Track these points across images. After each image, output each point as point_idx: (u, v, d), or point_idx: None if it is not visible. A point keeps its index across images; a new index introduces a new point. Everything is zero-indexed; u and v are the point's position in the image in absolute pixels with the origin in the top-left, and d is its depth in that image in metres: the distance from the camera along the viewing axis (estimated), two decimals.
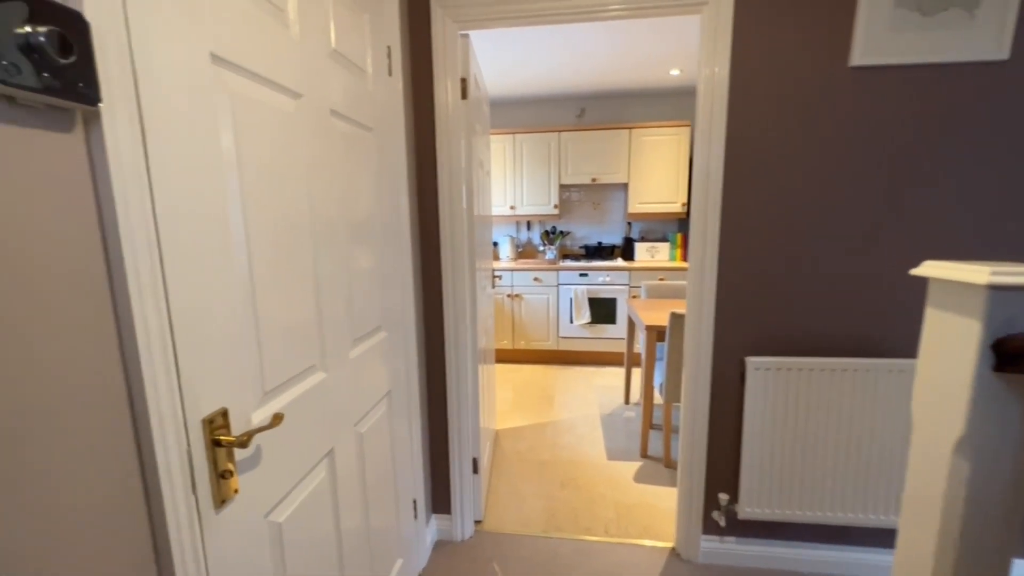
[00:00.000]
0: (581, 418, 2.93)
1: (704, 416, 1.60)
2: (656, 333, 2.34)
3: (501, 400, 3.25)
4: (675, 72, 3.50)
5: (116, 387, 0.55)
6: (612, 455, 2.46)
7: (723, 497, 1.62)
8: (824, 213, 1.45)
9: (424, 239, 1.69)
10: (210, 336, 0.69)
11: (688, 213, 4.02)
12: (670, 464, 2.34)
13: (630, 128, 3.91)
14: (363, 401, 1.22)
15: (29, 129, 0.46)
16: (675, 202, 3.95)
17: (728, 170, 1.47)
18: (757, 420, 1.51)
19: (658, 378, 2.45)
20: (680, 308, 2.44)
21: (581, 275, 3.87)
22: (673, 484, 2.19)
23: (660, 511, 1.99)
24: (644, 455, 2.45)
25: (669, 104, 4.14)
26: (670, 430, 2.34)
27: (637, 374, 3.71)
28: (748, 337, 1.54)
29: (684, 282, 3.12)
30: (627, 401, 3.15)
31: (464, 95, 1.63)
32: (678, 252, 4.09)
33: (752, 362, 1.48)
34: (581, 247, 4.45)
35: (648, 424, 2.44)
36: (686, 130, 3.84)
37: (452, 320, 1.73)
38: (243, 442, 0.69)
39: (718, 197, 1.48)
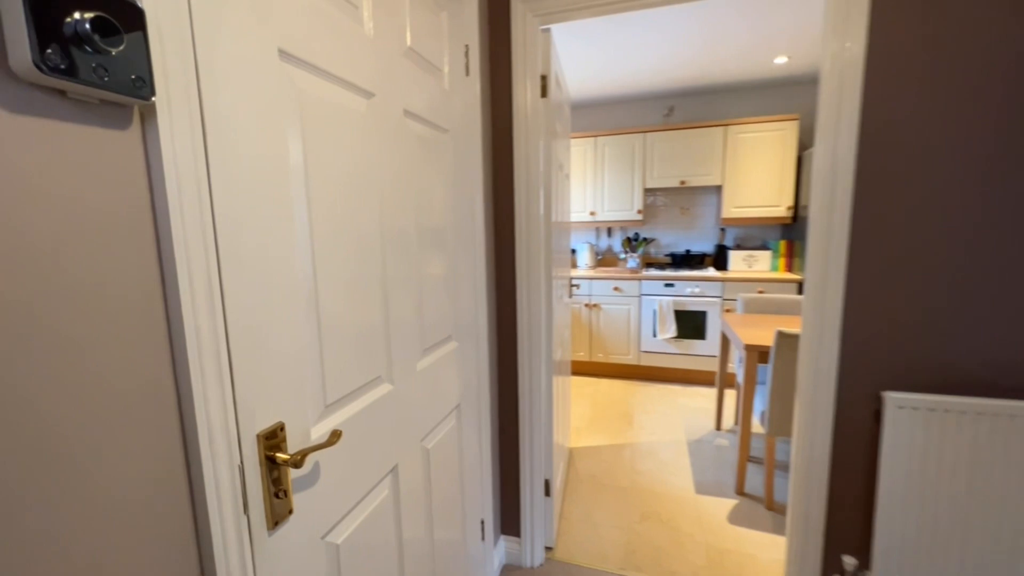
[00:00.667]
0: (665, 442, 2.68)
1: (824, 458, 1.33)
2: (757, 354, 2.05)
3: (576, 416, 3.09)
4: (781, 60, 3.12)
5: (165, 398, 0.52)
6: (701, 488, 2.20)
7: (849, 561, 1.32)
8: (1008, 215, 1.13)
9: (499, 246, 1.61)
10: (269, 346, 0.65)
11: (795, 217, 3.57)
12: (773, 507, 2.03)
13: (725, 125, 3.57)
14: (431, 415, 1.16)
15: (81, 126, 0.43)
16: (778, 205, 3.52)
17: (861, 166, 1.21)
18: (899, 471, 1.21)
19: (759, 405, 2.15)
20: (788, 326, 2.12)
21: (666, 285, 3.59)
22: (777, 531, 1.88)
23: (761, 563, 1.71)
24: (740, 492, 2.15)
25: (772, 97, 3.72)
26: (773, 466, 2.03)
27: (731, 397, 3.34)
28: (886, 367, 1.25)
29: (790, 296, 2.74)
30: (718, 427, 2.82)
31: (544, 93, 1.54)
32: (781, 261, 3.64)
33: (893, 399, 1.20)
34: (667, 255, 4.15)
35: (745, 456, 2.14)
36: (793, 124, 3.41)
37: (526, 330, 1.63)
38: (296, 462, 0.64)
39: (847, 198, 1.22)
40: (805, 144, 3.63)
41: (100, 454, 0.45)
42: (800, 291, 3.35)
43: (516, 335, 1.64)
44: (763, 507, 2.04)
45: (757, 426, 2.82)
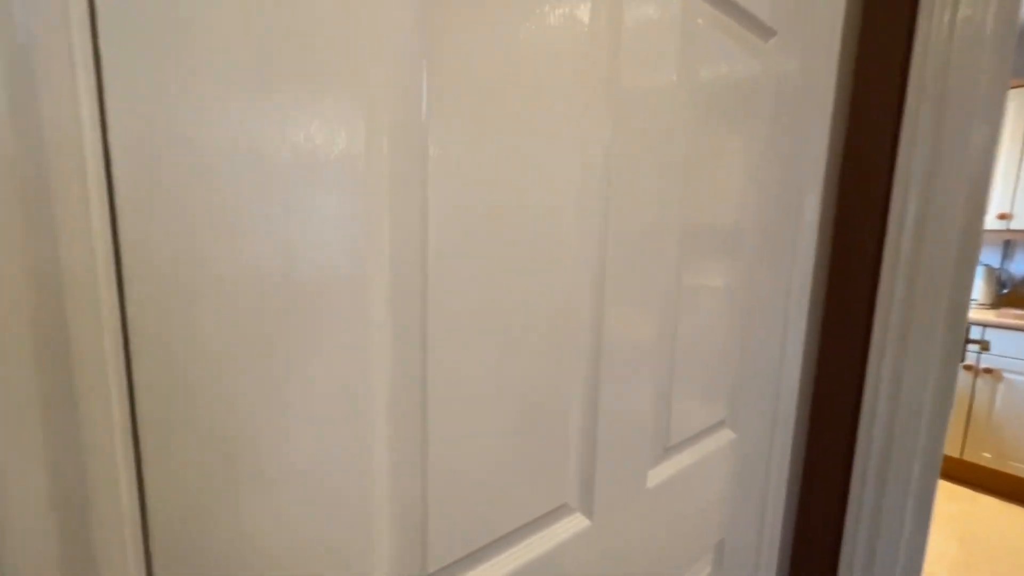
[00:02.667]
0: None
1: None
2: None
3: (934, 555, 1.86)
4: None
5: None
6: None
7: None
8: None
9: (840, 261, 0.89)
10: (278, 452, 0.28)
11: None
12: None
13: None
14: (664, 563, 0.63)
15: None
16: None
17: None
18: None
19: None
20: None
21: None
22: None
23: None
24: None
25: None
26: None
27: None
28: None
29: None
30: None
31: None
32: None
33: None
34: None
35: None
36: None
37: (882, 418, 0.85)
38: None
39: None
40: None
41: None
42: None
43: (856, 424, 0.89)
44: None
45: None
